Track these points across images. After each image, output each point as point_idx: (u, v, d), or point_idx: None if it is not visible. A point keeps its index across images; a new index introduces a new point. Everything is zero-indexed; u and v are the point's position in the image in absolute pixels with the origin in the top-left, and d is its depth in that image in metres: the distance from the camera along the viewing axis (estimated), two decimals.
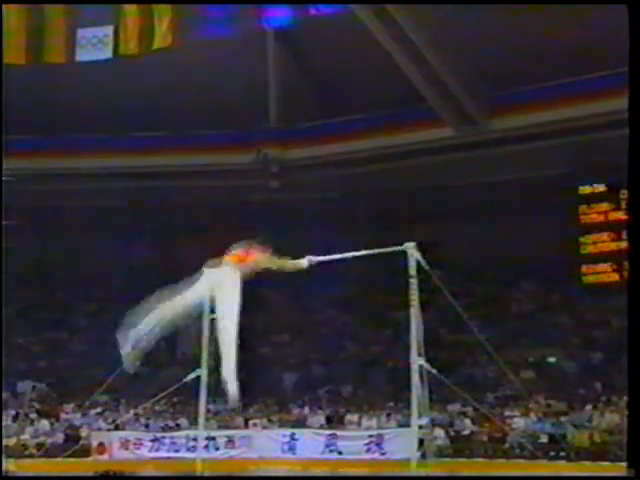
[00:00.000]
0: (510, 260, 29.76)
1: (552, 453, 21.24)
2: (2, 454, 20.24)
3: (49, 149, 29.92)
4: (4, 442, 23.71)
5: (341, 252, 11.69)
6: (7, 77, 23.56)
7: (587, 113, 24.69)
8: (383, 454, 22.07)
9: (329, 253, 10.46)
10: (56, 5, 24.94)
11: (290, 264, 10.52)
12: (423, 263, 10.90)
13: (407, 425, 15.58)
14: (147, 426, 25.44)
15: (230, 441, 23.74)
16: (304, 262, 10.30)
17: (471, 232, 29.98)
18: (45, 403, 27.93)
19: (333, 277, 26.46)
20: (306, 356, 29.74)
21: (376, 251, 10.74)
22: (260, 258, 10.27)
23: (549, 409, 23.52)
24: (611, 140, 19.09)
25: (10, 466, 19.49)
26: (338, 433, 23.34)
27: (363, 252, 10.83)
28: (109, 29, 24.89)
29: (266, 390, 27.72)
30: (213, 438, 23.16)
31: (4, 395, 26.16)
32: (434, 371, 11.09)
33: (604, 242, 27.79)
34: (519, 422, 22.87)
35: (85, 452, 23.29)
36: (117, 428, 24.48)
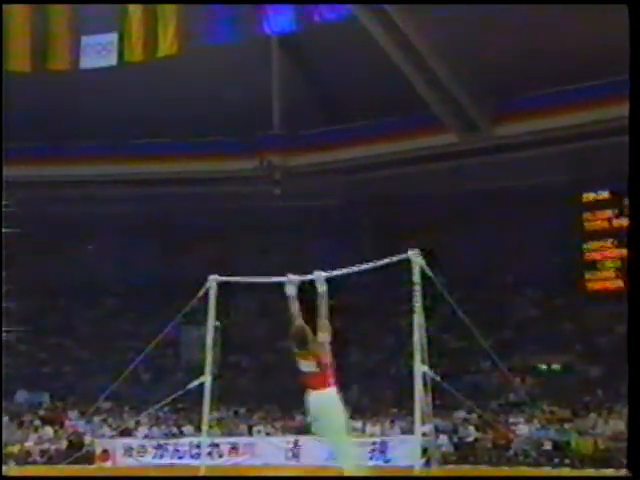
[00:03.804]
0: (513, 267, 29.78)
1: (556, 460, 21.22)
2: (2, 458, 20.27)
3: (52, 156, 29.98)
4: (8, 449, 23.77)
5: (343, 258, 11.71)
6: (11, 84, 23.61)
7: (590, 120, 24.71)
8: (387, 461, 22.03)
9: (331, 259, 10.45)
10: (60, 12, 25.00)
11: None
12: (427, 270, 10.89)
13: (411, 432, 15.57)
14: (151, 433, 25.43)
15: (234, 448, 23.72)
16: (321, 288, 9.68)
17: (474, 239, 29.99)
18: (49, 410, 27.97)
19: (336, 284, 26.44)
20: None
21: (381, 262, 10.73)
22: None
23: (553, 416, 23.48)
24: (614, 147, 19.07)
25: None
26: None
27: (369, 265, 10.80)
28: (113, 36, 24.94)
29: (270, 396, 27.74)
30: (217, 445, 23.15)
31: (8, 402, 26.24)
32: (438, 378, 11.08)
33: (608, 249, 27.80)
34: (523, 429, 22.84)
35: (89, 459, 23.27)
36: (121, 435, 24.47)
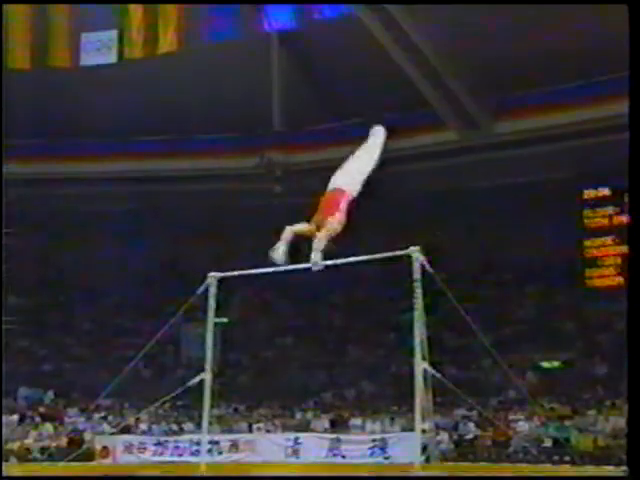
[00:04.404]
0: (514, 264, 29.77)
1: (556, 457, 21.21)
2: (1, 457, 20.28)
3: (52, 154, 29.96)
4: (8, 446, 23.79)
5: (343, 257, 11.69)
6: (10, 81, 23.62)
7: (591, 116, 24.70)
8: (387, 458, 22.03)
9: (331, 258, 10.41)
10: (60, 9, 25.00)
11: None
12: (427, 267, 10.89)
13: (411, 429, 15.57)
14: (151, 430, 25.45)
15: (234, 445, 23.73)
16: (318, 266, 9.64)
17: (474, 236, 29.98)
18: (50, 407, 27.98)
19: (336, 280, 26.49)
20: (310, 360, 29.74)
21: (382, 255, 10.73)
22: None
23: (553, 413, 23.48)
24: (616, 143, 19.09)
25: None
26: (342, 437, 23.31)
27: (369, 257, 10.79)
28: (113, 33, 24.95)
29: (270, 394, 27.74)
30: (217, 442, 23.16)
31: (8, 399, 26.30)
32: (438, 375, 11.07)
33: (608, 246, 27.78)
34: (523, 426, 22.85)
35: (89, 456, 23.27)
36: (121, 432, 24.48)
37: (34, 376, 29.89)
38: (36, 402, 28.37)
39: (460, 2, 22.08)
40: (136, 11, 24.54)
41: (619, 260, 27.17)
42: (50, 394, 28.86)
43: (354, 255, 12.37)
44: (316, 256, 9.23)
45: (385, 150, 10.30)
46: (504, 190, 28.51)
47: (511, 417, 23.53)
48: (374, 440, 22.75)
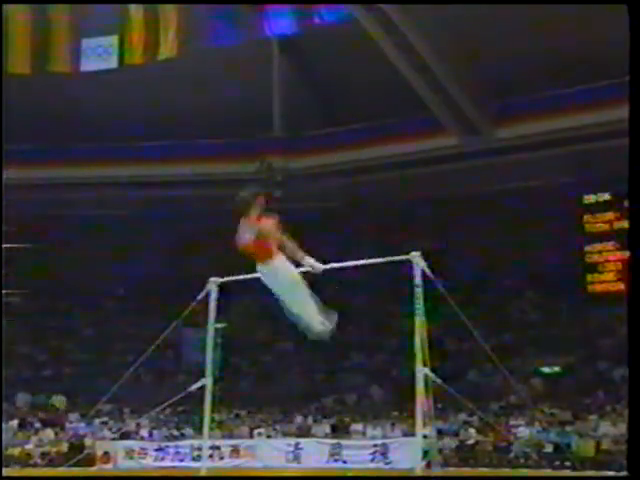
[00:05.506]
0: (515, 269, 29.74)
1: (557, 462, 21.20)
2: (2, 459, 20.26)
3: (52, 158, 29.97)
4: (9, 452, 23.77)
5: (344, 260, 11.67)
6: (9, 86, 23.65)
7: (591, 122, 24.70)
8: (388, 463, 22.02)
9: (332, 261, 10.40)
10: (61, 14, 25.02)
11: (301, 257, 9.10)
12: (428, 272, 10.86)
13: (412, 434, 15.54)
14: (152, 435, 25.42)
15: (235, 450, 23.73)
16: (318, 266, 9.49)
17: (475, 241, 29.97)
18: (49, 412, 27.96)
19: (336, 285, 26.43)
20: (310, 365, 29.70)
21: (382, 260, 10.70)
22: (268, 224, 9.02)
23: (554, 418, 23.47)
24: (616, 149, 19.10)
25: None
26: (343, 442, 23.31)
27: (370, 261, 10.76)
28: (114, 39, 24.98)
29: (271, 399, 27.72)
30: (218, 447, 23.15)
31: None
32: (439, 380, 11.03)
33: (609, 251, 27.76)
34: (524, 431, 22.83)
35: (90, 461, 23.27)
36: (122, 437, 24.46)
37: (34, 381, 29.88)
38: (37, 407, 28.35)
39: (460, 2, 22.07)
40: (137, 16, 24.57)
41: (620, 265, 27.16)
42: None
43: (354, 256, 12.36)
44: (309, 260, 9.28)
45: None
46: (505, 195, 28.52)
47: (512, 422, 23.51)
48: (375, 445, 22.75)
